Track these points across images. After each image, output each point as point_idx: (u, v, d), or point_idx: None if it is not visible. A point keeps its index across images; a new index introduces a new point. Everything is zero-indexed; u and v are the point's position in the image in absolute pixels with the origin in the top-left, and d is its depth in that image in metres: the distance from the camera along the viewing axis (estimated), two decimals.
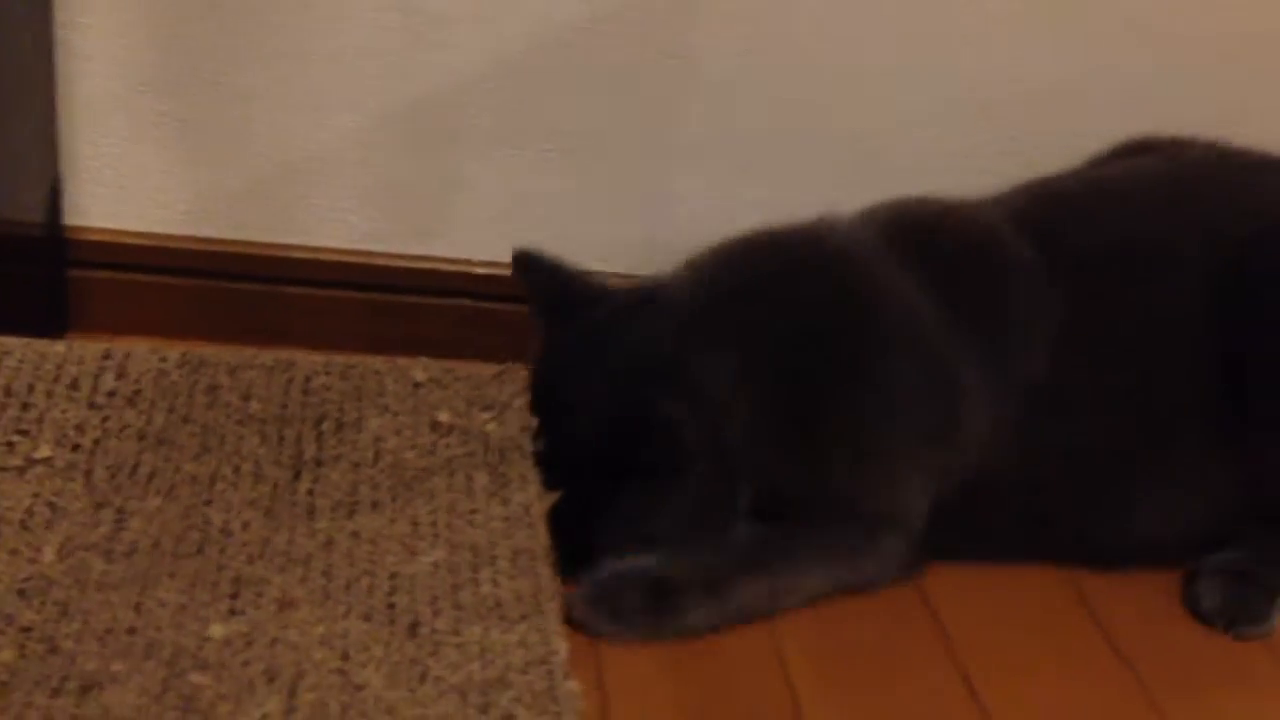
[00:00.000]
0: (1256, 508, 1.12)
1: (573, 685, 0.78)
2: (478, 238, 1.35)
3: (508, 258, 1.40)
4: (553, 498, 0.96)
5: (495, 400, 1.02)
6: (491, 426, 0.99)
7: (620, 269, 1.38)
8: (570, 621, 0.93)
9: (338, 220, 1.33)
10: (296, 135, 1.30)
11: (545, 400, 1.07)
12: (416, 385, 1.01)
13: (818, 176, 1.34)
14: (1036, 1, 1.29)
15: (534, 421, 1.03)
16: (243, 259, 1.33)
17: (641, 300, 1.09)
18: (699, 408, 0.99)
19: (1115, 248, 1.11)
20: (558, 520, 0.98)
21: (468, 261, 1.36)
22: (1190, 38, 1.31)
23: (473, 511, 0.91)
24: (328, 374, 1.00)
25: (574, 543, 0.97)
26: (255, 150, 1.30)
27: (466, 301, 1.36)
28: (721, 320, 1.05)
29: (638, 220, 1.36)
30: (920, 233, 1.12)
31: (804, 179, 1.33)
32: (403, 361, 1.04)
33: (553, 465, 1.02)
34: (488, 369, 1.05)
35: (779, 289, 1.07)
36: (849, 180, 1.34)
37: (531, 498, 0.94)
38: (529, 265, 1.12)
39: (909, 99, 1.32)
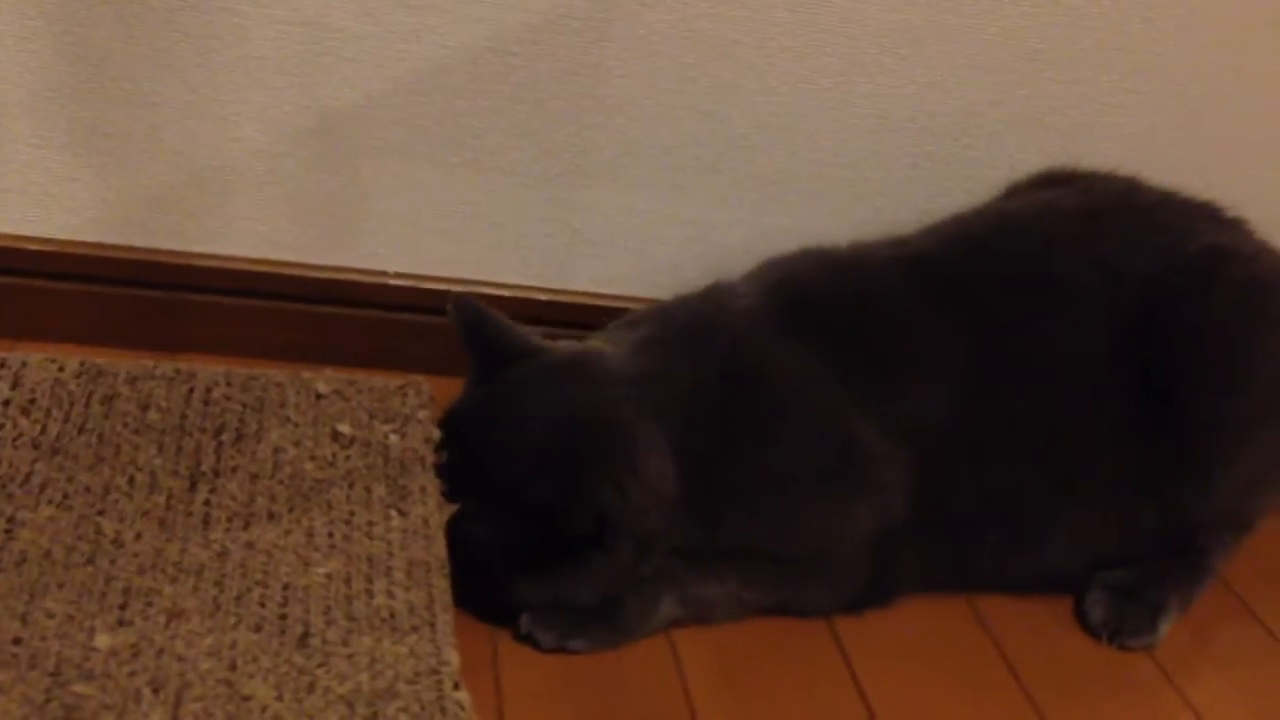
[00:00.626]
0: (1160, 534, 1.16)
1: (462, 695, 0.80)
2: (387, 249, 1.36)
3: (417, 269, 1.43)
4: (451, 509, 0.97)
5: (398, 413, 1.02)
6: (393, 439, 1.00)
7: (532, 281, 1.42)
8: (519, 637, 0.97)
9: (246, 230, 1.33)
10: (204, 145, 1.29)
11: (464, 449, 1.04)
12: (319, 397, 1.01)
13: (721, 193, 1.37)
14: (938, 31, 1.32)
15: (439, 448, 1.03)
16: (150, 267, 1.32)
17: (570, 364, 1.07)
18: (628, 487, 0.99)
19: (1019, 287, 1.14)
20: (467, 568, 0.97)
21: (378, 272, 1.37)
22: (1090, 65, 1.36)
23: (370, 523, 0.92)
24: (229, 385, 1.00)
25: (484, 596, 0.98)
26: (163, 159, 1.29)
27: (377, 312, 1.37)
28: (641, 398, 1.05)
29: (546, 233, 1.37)
30: (811, 294, 1.14)
31: (708, 195, 1.37)
32: (306, 373, 1.04)
33: (462, 504, 1.01)
34: (391, 381, 1.05)
35: (685, 369, 1.07)
36: (751, 198, 1.39)
37: (430, 510, 0.95)
38: (463, 313, 1.08)
39: (810, 122, 1.35)
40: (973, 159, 1.38)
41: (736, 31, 1.30)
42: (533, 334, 1.10)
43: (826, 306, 1.13)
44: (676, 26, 1.29)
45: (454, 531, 0.97)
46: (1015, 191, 1.31)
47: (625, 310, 1.35)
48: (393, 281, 1.37)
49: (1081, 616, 1.16)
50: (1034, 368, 1.12)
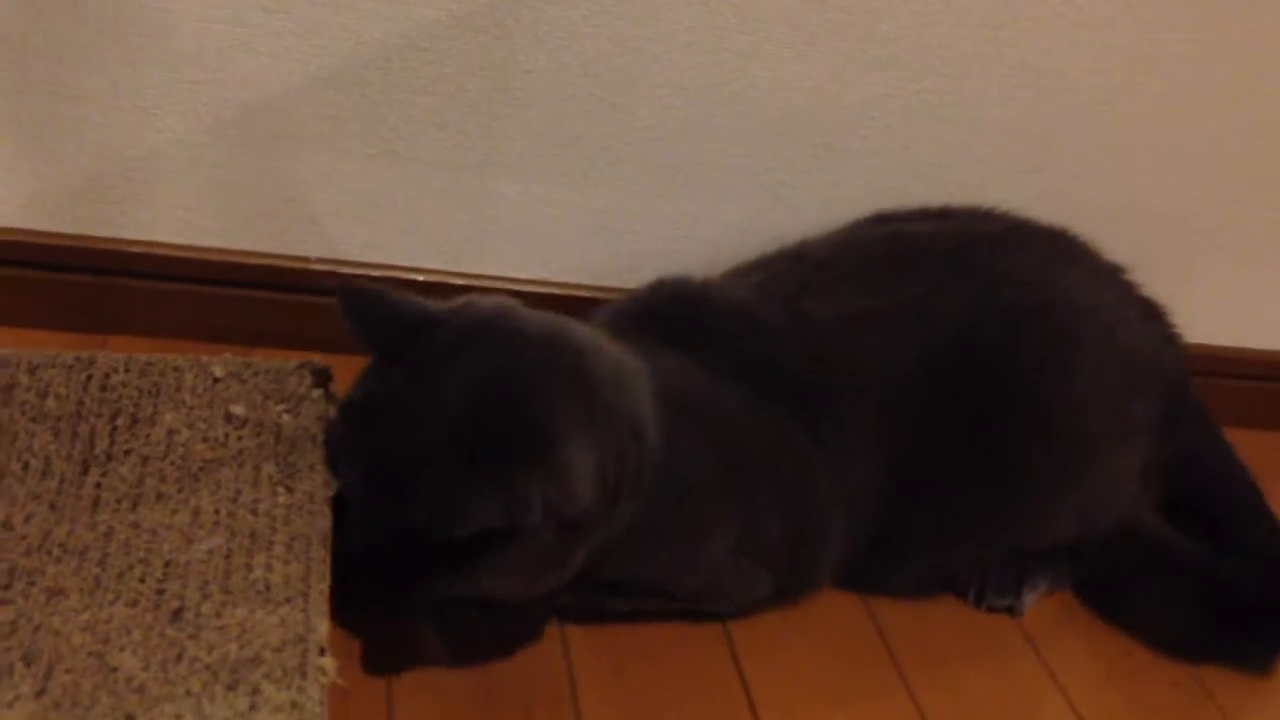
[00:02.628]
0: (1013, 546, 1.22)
1: (326, 661, 0.85)
2: (309, 235, 1.41)
3: (338, 254, 1.48)
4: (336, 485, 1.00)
5: (293, 393, 1.07)
6: (285, 418, 1.04)
7: (448, 266, 1.46)
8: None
9: (171, 217, 1.38)
10: (128, 135, 1.34)
11: (366, 439, 0.96)
12: (215, 380, 1.06)
13: (627, 182, 1.41)
14: (833, 28, 1.36)
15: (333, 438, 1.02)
16: (80, 252, 1.38)
17: (469, 337, 0.99)
18: (549, 476, 0.92)
19: (859, 318, 1.17)
20: (358, 562, 0.94)
21: (300, 258, 1.42)
22: (980, 60, 1.40)
23: (256, 500, 0.97)
24: (127, 371, 1.04)
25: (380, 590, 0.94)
26: (88, 149, 1.34)
27: (300, 296, 1.42)
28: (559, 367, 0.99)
29: (461, 221, 1.42)
30: (685, 320, 1.16)
31: (614, 184, 1.41)
32: (204, 357, 1.09)
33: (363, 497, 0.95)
34: (289, 363, 1.10)
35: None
36: (656, 187, 1.43)
37: (317, 486, 0.99)
38: (353, 302, 1.01)
39: (713, 114, 1.39)
40: (870, 150, 1.42)
41: (639, 26, 1.34)
42: (430, 303, 1.03)
43: (706, 332, 1.15)
44: (580, 23, 1.33)
45: (347, 536, 0.95)
46: (855, 226, 1.35)
47: (537, 294, 1.42)
48: (315, 266, 1.42)
49: (953, 580, 1.22)
50: (874, 394, 1.15)
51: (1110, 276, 1.28)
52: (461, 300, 1.03)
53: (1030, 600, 1.22)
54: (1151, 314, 1.30)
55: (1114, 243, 1.32)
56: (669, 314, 1.17)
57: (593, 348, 1.02)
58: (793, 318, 1.17)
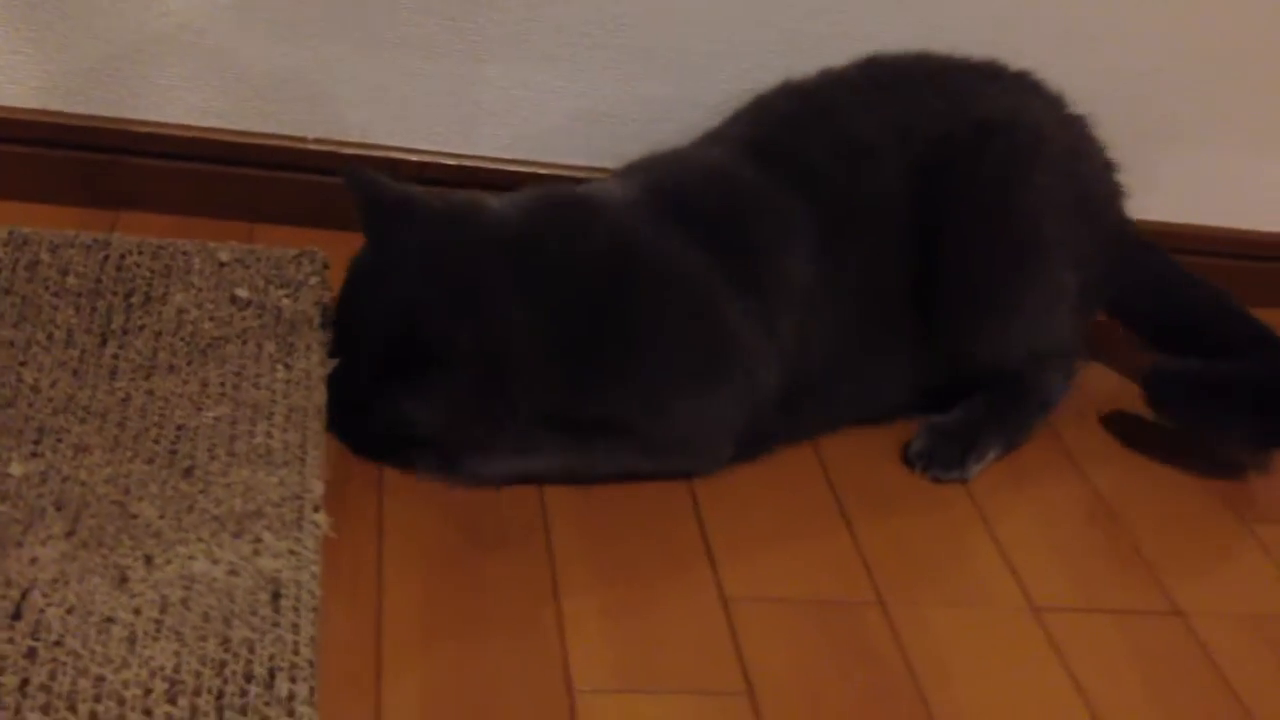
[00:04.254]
0: (956, 368, 1.32)
1: (319, 517, 0.97)
2: (306, 117, 1.49)
3: (334, 135, 1.56)
4: (333, 364, 1.12)
5: (292, 279, 1.17)
6: (286, 302, 1.14)
7: (439, 147, 1.53)
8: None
9: (176, 99, 1.46)
10: (134, 20, 1.42)
11: (349, 303, 1.13)
12: (221, 264, 1.16)
13: (606, 66, 1.48)
14: None
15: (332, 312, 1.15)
16: (90, 132, 1.46)
17: (448, 217, 1.15)
18: (475, 316, 1.07)
19: (834, 154, 1.26)
20: (347, 403, 1.09)
21: (298, 138, 1.50)
22: None
23: (258, 375, 1.08)
24: (140, 253, 1.14)
25: (361, 427, 1.10)
26: (98, 33, 1.42)
27: (298, 174, 1.50)
28: (517, 259, 1.12)
29: (450, 104, 1.49)
30: (675, 186, 1.24)
31: (594, 68, 1.48)
32: (211, 243, 1.18)
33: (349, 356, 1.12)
34: (289, 251, 1.19)
35: (568, 247, 1.16)
36: (632, 70, 1.49)
37: (313, 364, 1.10)
38: (356, 180, 1.16)
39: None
40: (840, 33, 1.48)
41: None
42: (428, 191, 1.17)
43: (692, 195, 1.24)
44: None
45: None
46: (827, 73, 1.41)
47: (524, 174, 1.50)
48: (312, 146, 1.51)
49: (904, 450, 1.32)
50: (857, 226, 1.26)
51: (1073, 116, 1.38)
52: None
53: (976, 469, 1.31)
54: (1108, 164, 1.40)
55: None
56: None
57: (549, 222, 1.15)
58: (784, 174, 1.25)
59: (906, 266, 1.27)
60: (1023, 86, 1.37)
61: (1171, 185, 1.62)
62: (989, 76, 1.37)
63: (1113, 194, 1.41)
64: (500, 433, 1.14)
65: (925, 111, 1.29)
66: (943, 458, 1.31)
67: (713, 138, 1.33)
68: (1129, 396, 1.44)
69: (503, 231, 1.15)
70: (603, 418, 1.17)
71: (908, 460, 1.31)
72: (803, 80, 1.36)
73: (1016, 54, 1.49)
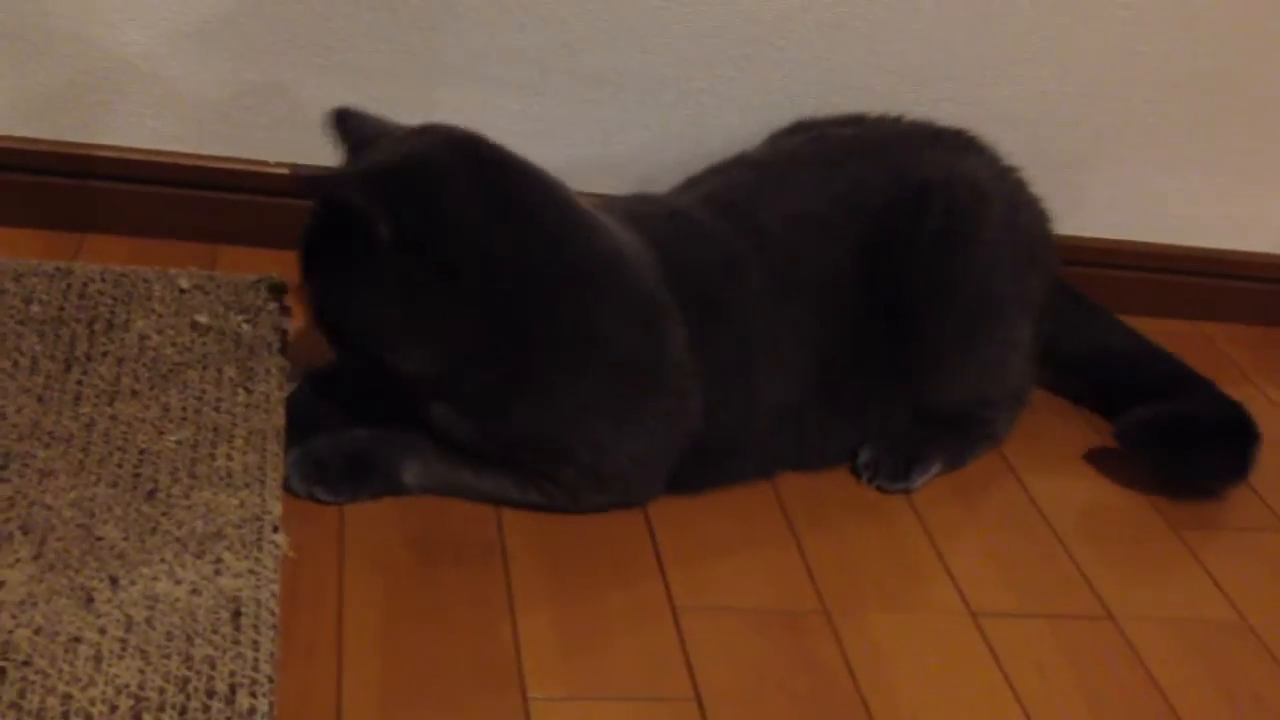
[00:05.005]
0: (916, 412, 1.37)
1: (279, 538, 1.00)
2: (266, 141, 1.52)
3: (296, 158, 1.59)
4: (292, 387, 1.15)
5: (251, 305, 1.20)
6: (245, 328, 1.18)
7: None
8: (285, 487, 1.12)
9: (138, 124, 1.50)
10: (96, 48, 1.45)
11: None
12: (181, 291, 1.19)
13: (560, 91, 1.52)
14: None
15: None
16: (56, 157, 1.49)
17: (415, 130, 1.19)
18: (401, 209, 1.06)
19: (781, 225, 1.29)
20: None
21: (260, 161, 1.54)
22: None
23: (219, 399, 1.11)
24: (103, 280, 1.17)
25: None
26: (61, 61, 1.45)
27: (262, 198, 1.54)
28: (478, 188, 1.13)
29: None
30: (642, 214, 1.28)
31: (548, 93, 1.52)
32: (172, 270, 1.22)
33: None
34: (248, 277, 1.23)
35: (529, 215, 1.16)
36: (587, 95, 1.53)
37: (273, 388, 1.14)
38: (342, 118, 1.20)
39: (638, 26, 1.50)
40: (789, 60, 1.54)
41: None
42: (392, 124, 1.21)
43: (656, 226, 1.27)
44: None
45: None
46: (776, 137, 1.48)
47: None
48: (273, 170, 1.54)
49: (853, 461, 1.37)
50: (807, 286, 1.29)
51: (1008, 169, 1.43)
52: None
53: (920, 482, 1.36)
54: (1043, 213, 1.45)
55: (1014, 145, 1.44)
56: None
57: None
58: (738, 225, 1.29)
59: (860, 329, 1.31)
60: (960, 145, 1.42)
61: (1100, 203, 1.69)
62: (927, 139, 1.42)
63: (1051, 242, 1.46)
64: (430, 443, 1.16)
65: (869, 185, 1.33)
66: (889, 469, 1.36)
67: (682, 188, 1.39)
68: (1069, 410, 1.51)
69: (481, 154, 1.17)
70: (529, 438, 1.18)
71: (855, 470, 1.36)
72: (758, 153, 1.42)
73: (953, 78, 1.57)
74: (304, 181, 1.08)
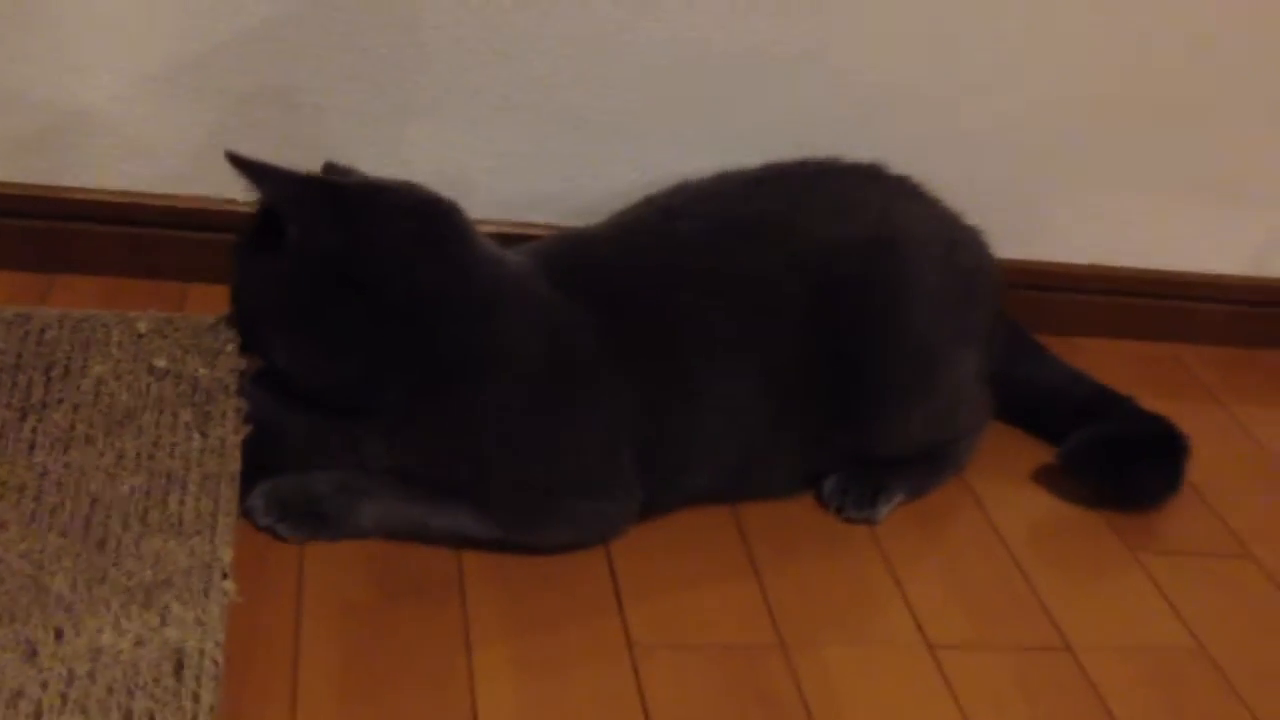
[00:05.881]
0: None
1: (228, 585, 1.01)
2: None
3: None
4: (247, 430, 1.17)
5: (210, 348, 1.20)
6: (203, 371, 1.18)
7: None
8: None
9: (110, 166, 1.52)
10: (65, 92, 1.47)
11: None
12: (139, 335, 1.20)
13: (526, 128, 1.54)
14: None
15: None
16: (27, 200, 1.51)
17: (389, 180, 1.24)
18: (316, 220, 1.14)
19: (731, 280, 1.29)
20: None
21: (230, 200, 1.55)
22: (853, 11, 1.52)
23: (174, 444, 1.11)
24: (60, 326, 1.19)
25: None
26: (35, 106, 1.47)
27: (230, 236, 1.54)
28: (410, 229, 1.18)
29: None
30: (571, 258, 1.31)
31: (515, 130, 1.54)
32: (131, 314, 1.22)
33: None
34: (206, 320, 1.23)
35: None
36: (552, 131, 1.55)
37: (229, 431, 1.14)
38: (330, 171, 1.26)
39: (603, 64, 1.51)
40: (760, 93, 1.55)
41: None
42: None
43: (587, 268, 1.29)
44: None
45: None
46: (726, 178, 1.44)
47: None
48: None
49: (818, 492, 1.37)
50: (755, 335, 1.29)
51: (943, 209, 1.44)
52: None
53: (885, 511, 1.36)
54: (977, 239, 1.46)
55: (982, 171, 1.45)
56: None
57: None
58: (660, 235, 1.32)
59: (808, 378, 1.31)
60: (899, 191, 1.42)
61: (1067, 227, 1.69)
62: (866, 183, 1.42)
63: (991, 273, 1.45)
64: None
65: (813, 240, 1.33)
66: (855, 497, 1.36)
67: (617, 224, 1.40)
68: (1028, 437, 1.51)
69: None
70: (446, 452, 1.19)
71: (822, 499, 1.37)
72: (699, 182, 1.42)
73: (922, 107, 1.58)
74: (244, 164, 1.17)
